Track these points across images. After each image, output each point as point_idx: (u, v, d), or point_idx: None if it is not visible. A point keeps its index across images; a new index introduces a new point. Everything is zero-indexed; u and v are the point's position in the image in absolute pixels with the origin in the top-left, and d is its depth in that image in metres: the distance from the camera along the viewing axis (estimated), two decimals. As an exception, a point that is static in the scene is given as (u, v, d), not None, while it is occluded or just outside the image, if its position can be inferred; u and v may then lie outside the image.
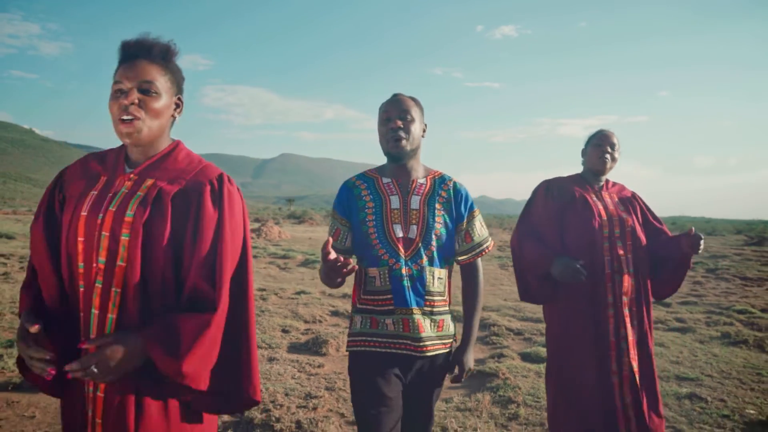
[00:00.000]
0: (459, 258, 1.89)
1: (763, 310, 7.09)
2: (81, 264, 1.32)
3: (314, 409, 3.25)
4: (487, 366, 4.19)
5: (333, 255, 1.53)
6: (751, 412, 3.46)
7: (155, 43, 1.42)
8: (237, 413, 1.49)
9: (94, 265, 1.30)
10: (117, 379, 1.25)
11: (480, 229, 1.90)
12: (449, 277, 1.87)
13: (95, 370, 1.19)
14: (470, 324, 1.89)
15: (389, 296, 1.76)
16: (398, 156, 1.81)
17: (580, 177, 2.45)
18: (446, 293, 1.85)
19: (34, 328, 1.23)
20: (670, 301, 7.41)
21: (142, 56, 1.39)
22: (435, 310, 1.79)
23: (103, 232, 1.30)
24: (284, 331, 5.36)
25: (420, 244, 1.78)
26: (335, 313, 6.33)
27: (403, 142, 1.78)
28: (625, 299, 2.23)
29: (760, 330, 5.86)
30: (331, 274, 1.56)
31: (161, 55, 1.43)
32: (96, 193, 1.37)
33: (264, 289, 7.71)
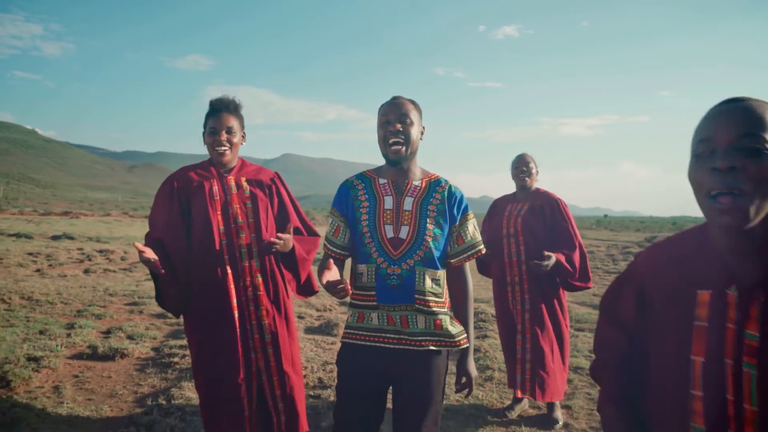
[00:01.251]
0: (450, 260, 1.91)
1: None
2: (222, 227, 2.28)
3: (331, 372, 4.08)
4: (474, 346, 5.02)
5: (331, 278, 1.62)
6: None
7: (231, 101, 2.34)
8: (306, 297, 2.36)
9: (232, 225, 2.30)
10: (279, 253, 2.35)
11: (473, 232, 1.93)
12: (446, 279, 1.91)
13: (279, 243, 2.21)
14: (467, 333, 1.90)
15: (373, 293, 1.82)
16: (396, 160, 1.85)
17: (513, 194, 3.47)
18: (444, 294, 1.87)
19: (149, 252, 2.08)
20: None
21: (224, 110, 2.31)
22: (430, 309, 1.80)
23: (236, 205, 2.31)
24: (299, 317, 6.19)
25: (411, 245, 1.82)
26: (343, 304, 7.15)
27: (402, 147, 1.83)
28: (516, 279, 3.23)
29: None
30: (330, 292, 1.61)
31: (234, 108, 2.35)
32: (216, 187, 2.32)
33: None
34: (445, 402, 3.57)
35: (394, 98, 1.89)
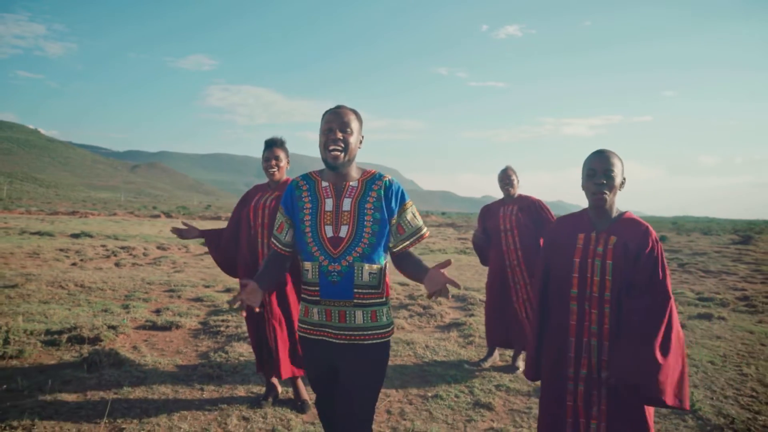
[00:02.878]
0: (394, 249, 2.03)
1: (697, 294, 8.65)
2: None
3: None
4: (460, 320, 6.08)
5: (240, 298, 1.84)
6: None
7: (279, 139, 3.40)
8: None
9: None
10: None
11: (412, 219, 2.03)
12: (384, 271, 2.01)
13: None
14: (418, 262, 2.00)
15: (317, 288, 1.95)
16: (334, 166, 1.97)
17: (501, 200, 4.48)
18: (380, 287, 1.98)
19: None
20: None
21: (275, 146, 3.37)
22: (366, 302, 1.94)
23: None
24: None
25: (350, 243, 1.94)
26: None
27: (341, 154, 1.94)
28: (514, 262, 4.22)
29: (677, 302, 7.70)
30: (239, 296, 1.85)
31: (282, 144, 3.41)
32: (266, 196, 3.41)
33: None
34: (433, 356, 4.66)
35: (338, 107, 2.01)
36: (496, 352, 4.52)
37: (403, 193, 2.02)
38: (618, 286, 2.02)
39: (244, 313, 2.39)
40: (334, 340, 1.94)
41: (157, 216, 33.71)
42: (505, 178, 4.34)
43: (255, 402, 3.43)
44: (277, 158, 3.36)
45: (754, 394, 3.90)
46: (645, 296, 1.99)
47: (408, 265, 2.01)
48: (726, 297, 8.25)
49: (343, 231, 1.94)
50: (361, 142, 2.03)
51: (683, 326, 6.11)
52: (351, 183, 2.01)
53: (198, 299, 7.02)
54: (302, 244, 1.99)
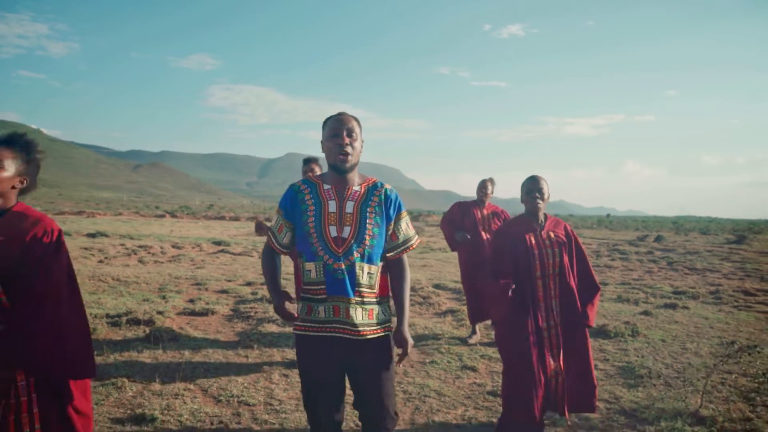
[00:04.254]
0: (387, 254, 2.10)
1: (675, 289, 9.41)
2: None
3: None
4: (455, 308, 7.01)
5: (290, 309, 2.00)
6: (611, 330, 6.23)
7: (312, 158, 4.30)
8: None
9: None
10: None
11: (405, 229, 2.12)
12: (380, 272, 2.08)
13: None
14: (402, 307, 2.10)
15: (323, 287, 1.99)
16: (343, 170, 2.02)
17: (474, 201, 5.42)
18: (376, 287, 2.06)
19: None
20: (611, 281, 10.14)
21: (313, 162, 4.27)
22: (365, 300, 2.01)
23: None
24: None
25: (352, 243, 1.99)
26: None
27: (349, 158, 2.00)
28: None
29: (652, 296, 8.63)
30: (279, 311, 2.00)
31: (314, 160, 4.31)
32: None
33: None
34: (431, 334, 5.58)
35: (341, 113, 2.06)
36: (479, 331, 5.47)
37: (400, 203, 2.14)
38: (561, 265, 2.98)
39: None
40: (345, 335, 2.00)
41: (162, 216, 34.27)
42: (483, 189, 5.38)
43: (291, 364, 4.37)
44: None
45: (689, 361, 4.82)
46: (580, 264, 3.07)
47: (393, 278, 2.16)
48: (699, 291, 9.08)
49: (346, 231, 2.02)
50: (362, 146, 2.09)
51: (649, 314, 7.04)
52: (354, 187, 2.09)
53: (224, 291, 7.94)
54: (305, 244, 2.04)
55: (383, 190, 2.11)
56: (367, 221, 2.03)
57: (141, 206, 65.37)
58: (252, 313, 6.25)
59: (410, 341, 2.10)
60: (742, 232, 30.33)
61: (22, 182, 1.97)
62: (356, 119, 2.07)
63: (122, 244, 15.24)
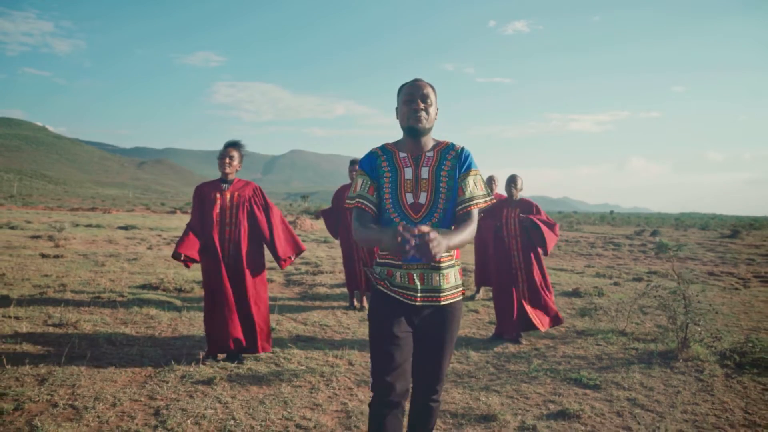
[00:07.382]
0: (456, 210, 2.06)
1: (649, 272, 10.90)
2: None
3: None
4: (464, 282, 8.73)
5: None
6: (599, 300, 7.93)
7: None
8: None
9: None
10: None
11: (473, 186, 2.08)
12: None
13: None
14: (452, 232, 1.90)
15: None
16: (417, 131, 2.03)
17: None
18: (452, 250, 2.04)
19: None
20: (604, 269, 11.76)
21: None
22: (442, 265, 2.03)
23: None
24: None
25: (429, 208, 2.03)
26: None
27: (423, 120, 2.02)
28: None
29: (626, 273, 10.30)
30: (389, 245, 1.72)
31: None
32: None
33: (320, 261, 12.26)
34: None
35: (417, 80, 2.07)
36: (482, 291, 7.21)
37: (470, 162, 2.10)
38: (522, 228, 4.75)
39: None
40: (415, 303, 2.01)
41: (173, 212, 34.13)
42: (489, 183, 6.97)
43: (348, 308, 6.11)
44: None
45: (631, 308, 6.50)
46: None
47: (457, 226, 1.99)
48: (669, 272, 10.52)
49: (422, 198, 2.04)
50: (437, 113, 2.08)
51: (618, 284, 8.74)
52: (427, 153, 2.09)
53: (270, 268, 9.64)
54: (381, 211, 2.09)
55: (456, 151, 2.11)
56: (441, 185, 2.06)
57: (147, 203, 64.53)
58: (303, 280, 7.97)
59: (440, 239, 1.66)
60: (740, 228, 30.74)
61: (239, 165, 4.02)
62: (432, 86, 2.09)
63: (159, 235, 16.23)
